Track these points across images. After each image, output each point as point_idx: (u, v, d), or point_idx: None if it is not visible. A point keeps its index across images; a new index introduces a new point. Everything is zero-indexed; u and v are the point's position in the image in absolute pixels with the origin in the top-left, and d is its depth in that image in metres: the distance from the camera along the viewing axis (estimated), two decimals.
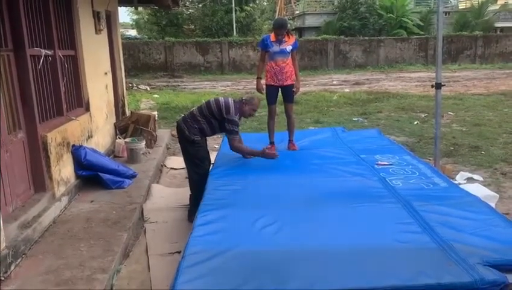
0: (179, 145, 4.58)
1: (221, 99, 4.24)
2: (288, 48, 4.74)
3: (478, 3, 31.44)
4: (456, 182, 4.96)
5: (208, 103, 4.26)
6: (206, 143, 4.43)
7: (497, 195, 4.62)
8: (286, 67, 4.77)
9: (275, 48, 4.74)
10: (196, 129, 4.19)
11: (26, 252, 3.44)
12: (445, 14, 29.48)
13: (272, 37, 4.79)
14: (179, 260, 2.47)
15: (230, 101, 4.22)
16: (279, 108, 5.31)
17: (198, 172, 4.26)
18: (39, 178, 4.08)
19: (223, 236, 2.72)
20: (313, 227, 2.84)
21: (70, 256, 3.42)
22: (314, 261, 2.40)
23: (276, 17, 21.47)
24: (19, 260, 3.30)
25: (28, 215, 3.70)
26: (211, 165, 4.42)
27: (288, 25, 4.96)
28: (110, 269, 3.26)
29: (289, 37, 4.78)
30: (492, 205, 3.91)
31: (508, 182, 5.42)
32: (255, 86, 5.16)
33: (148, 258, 3.65)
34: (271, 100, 4.96)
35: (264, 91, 4.97)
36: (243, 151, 4.40)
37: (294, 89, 4.91)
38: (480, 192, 4.32)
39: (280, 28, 4.74)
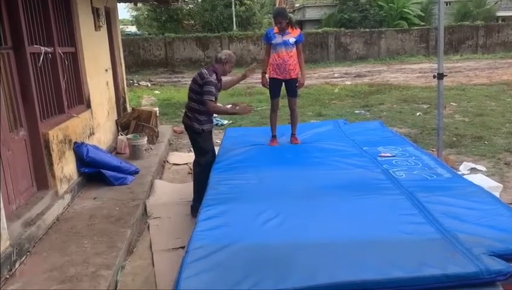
0: (181, 140, 4.63)
1: (196, 73, 4.31)
2: (292, 39, 4.67)
3: None
4: (459, 172, 4.94)
5: (190, 87, 4.32)
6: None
7: (501, 185, 4.61)
8: (290, 60, 4.70)
9: (278, 39, 4.69)
10: (198, 118, 4.26)
11: (31, 249, 3.45)
12: (446, 4, 29.29)
13: (276, 29, 4.75)
14: (183, 255, 2.47)
15: (204, 69, 4.28)
16: (281, 101, 5.28)
17: (201, 162, 4.35)
18: (42, 176, 4.08)
19: (226, 230, 2.72)
20: (316, 220, 2.83)
21: (75, 253, 3.42)
22: (317, 253, 2.39)
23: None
24: (23, 258, 3.30)
25: (32, 213, 3.70)
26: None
27: (289, 16, 4.88)
28: (114, 265, 3.26)
29: (293, 29, 4.72)
30: (497, 195, 3.90)
31: None
32: (255, 80, 5.14)
33: (152, 253, 3.65)
34: (274, 94, 4.91)
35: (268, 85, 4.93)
36: (219, 111, 4.59)
37: (298, 84, 4.86)
38: (484, 182, 4.31)
39: (278, 16, 4.68)
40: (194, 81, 4.24)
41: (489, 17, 30.02)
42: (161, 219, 4.33)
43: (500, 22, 30.08)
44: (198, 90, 4.16)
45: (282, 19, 4.64)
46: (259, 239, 2.60)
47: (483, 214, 2.76)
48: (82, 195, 4.71)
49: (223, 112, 4.48)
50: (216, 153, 4.61)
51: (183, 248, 3.36)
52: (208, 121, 4.35)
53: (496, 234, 2.48)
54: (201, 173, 4.22)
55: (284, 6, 29.52)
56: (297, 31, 4.76)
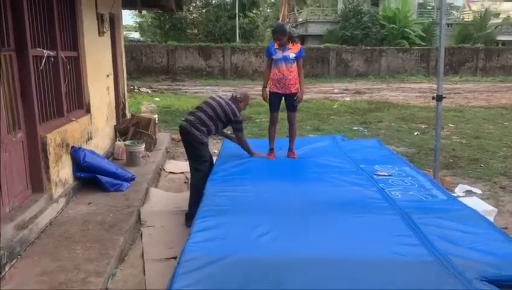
0: (178, 149, 4.66)
1: (223, 102, 4.48)
2: (292, 55, 4.71)
3: (480, 16, 31.63)
4: (454, 194, 4.95)
5: (211, 107, 4.44)
6: None
7: (496, 209, 4.61)
8: (290, 75, 4.73)
9: (278, 54, 4.72)
10: (205, 132, 4.42)
11: (22, 253, 3.42)
12: (448, 26, 29.59)
13: (276, 44, 4.78)
14: (175, 266, 2.45)
15: (231, 103, 4.52)
16: (281, 114, 5.29)
17: (201, 169, 4.43)
18: (37, 179, 4.07)
19: (219, 243, 2.71)
20: (311, 236, 2.83)
21: (66, 258, 3.40)
22: (310, 270, 2.39)
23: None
24: (14, 261, 3.28)
25: (25, 216, 3.68)
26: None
27: (291, 31, 4.92)
28: (105, 272, 3.24)
29: (293, 45, 4.76)
30: (491, 219, 3.90)
31: (507, 196, 5.41)
32: (256, 92, 5.16)
33: (143, 262, 3.62)
34: (273, 107, 4.94)
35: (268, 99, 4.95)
36: (245, 147, 4.78)
37: (296, 99, 4.88)
38: (479, 206, 4.31)
39: (276, 33, 4.72)
40: (222, 109, 4.44)
41: (490, 40, 30.32)
42: (155, 228, 4.31)
43: (500, 45, 30.38)
44: (224, 121, 4.51)
45: (281, 36, 4.67)
46: (253, 253, 2.59)
47: (477, 238, 2.76)
48: (77, 200, 4.69)
49: (246, 147, 4.83)
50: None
51: (175, 258, 3.34)
52: (208, 136, 4.58)
53: (489, 259, 2.49)
54: (201, 179, 4.22)
55: (287, 20, 29.75)
56: (297, 46, 4.80)
